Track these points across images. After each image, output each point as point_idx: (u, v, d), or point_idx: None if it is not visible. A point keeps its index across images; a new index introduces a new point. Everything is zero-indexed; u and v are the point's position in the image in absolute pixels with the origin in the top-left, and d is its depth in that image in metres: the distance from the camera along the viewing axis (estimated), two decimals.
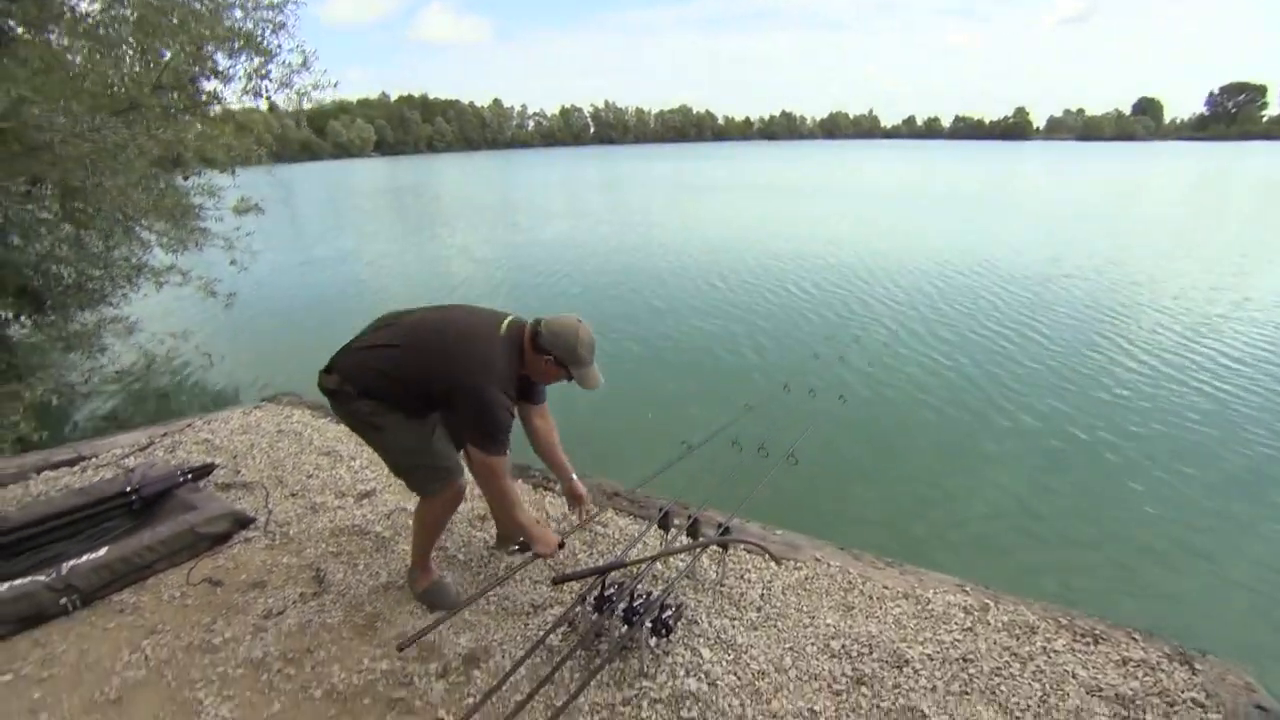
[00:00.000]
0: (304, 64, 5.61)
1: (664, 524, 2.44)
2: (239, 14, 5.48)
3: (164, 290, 5.90)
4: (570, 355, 2.06)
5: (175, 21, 5.35)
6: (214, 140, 6.12)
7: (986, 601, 2.31)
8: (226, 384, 6.05)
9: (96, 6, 5.13)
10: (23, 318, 5.04)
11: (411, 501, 3.03)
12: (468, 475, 2.25)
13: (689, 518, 2.43)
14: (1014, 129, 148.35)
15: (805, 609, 2.28)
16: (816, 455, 4.42)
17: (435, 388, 2.02)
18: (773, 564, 2.48)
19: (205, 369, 6.41)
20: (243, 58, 5.96)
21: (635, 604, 2.06)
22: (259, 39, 6.04)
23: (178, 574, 2.57)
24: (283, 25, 5.59)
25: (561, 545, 2.23)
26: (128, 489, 2.89)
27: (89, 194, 4.50)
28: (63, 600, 2.31)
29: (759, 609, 2.28)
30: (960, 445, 5.08)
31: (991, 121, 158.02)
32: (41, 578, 2.31)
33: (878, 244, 13.63)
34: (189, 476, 3.08)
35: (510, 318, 2.14)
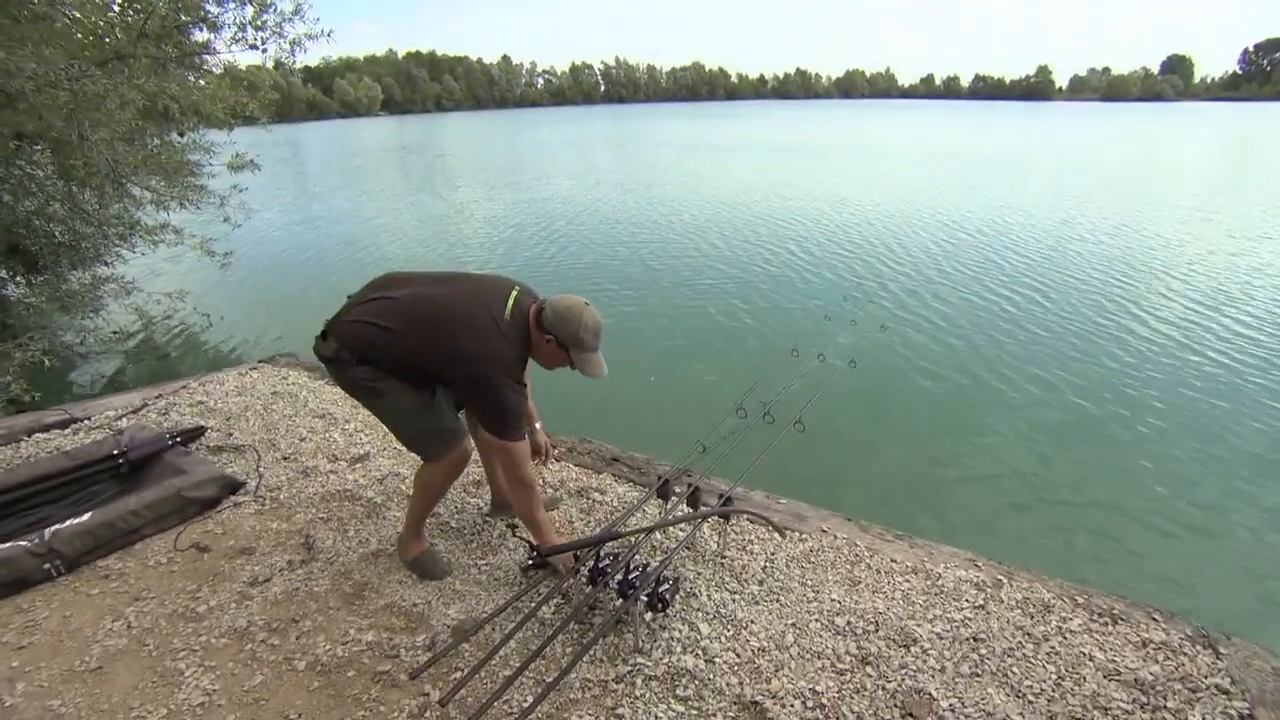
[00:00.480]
0: (295, 11, 5.37)
1: (663, 493, 2.34)
2: None
3: (161, 249, 5.79)
4: (573, 339, 1.96)
5: None
6: (209, 95, 5.93)
7: (999, 577, 2.21)
8: (224, 345, 5.96)
9: None
10: (17, 277, 4.95)
11: (405, 466, 2.97)
12: (470, 443, 2.19)
13: (689, 486, 2.32)
14: (1036, 88, 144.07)
15: (809, 583, 2.19)
16: (824, 422, 4.34)
17: (438, 370, 1.98)
18: (776, 535, 2.39)
19: (203, 329, 6.32)
20: (231, 4, 5.74)
21: (631, 576, 1.97)
22: None
23: (165, 539, 2.52)
24: None
25: (576, 567, 2.10)
26: (115, 452, 2.82)
27: (74, 148, 4.35)
28: (46, 565, 2.25)
29: (761, 582, 2.19)
30: (972, 415, 4.93)
31: (1012, 81, 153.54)
32: (24, 543, 2.25)
33: (891, 205, 13.27)
34: (178, 440, 3.00)
35: (516, 292, 2.02)
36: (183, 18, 5.49)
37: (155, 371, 5.47)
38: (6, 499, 2.56)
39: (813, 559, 2.32)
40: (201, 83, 6.08)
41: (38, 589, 2.23)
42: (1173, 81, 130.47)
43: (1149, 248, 9.77)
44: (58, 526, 2.33)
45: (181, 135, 6.53)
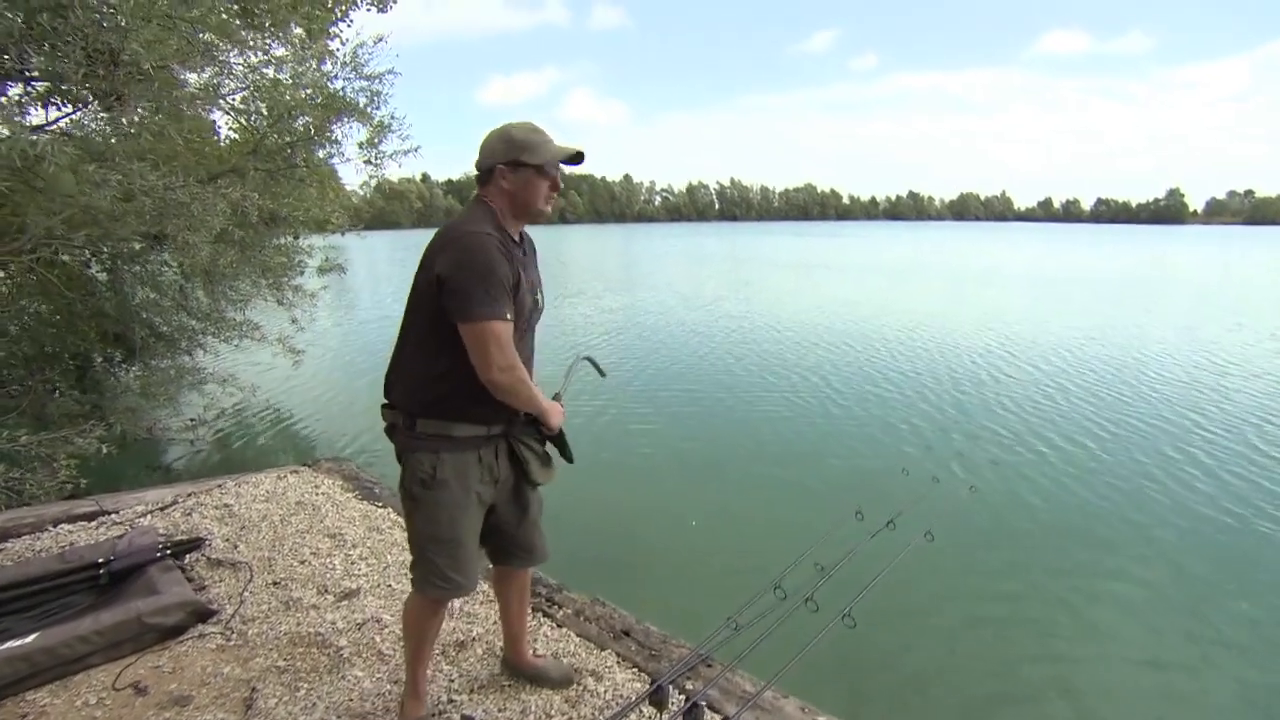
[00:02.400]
0: (389, 128, 5.81)
1: (657, 702, 1.82)
2: (339, 84, 5.74)
3: (244, 345, 6.09)
4: (515, 148, 1.69)
5: (305, 95, 5.81)
6: (316, 203, 6.41)
7: None
8: (277, 443, 6.04)
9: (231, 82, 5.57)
10: (116, 364, 5.28)
11: (390, 612, 2.62)
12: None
13: (688, 701, 1.76)
14: (1166, 212, 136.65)
15: None
16: (891, 610, 3.44)
17: (433, 295, 1.62)
18: None
19: (266, 425, 6.45)
20: (349, 126, 6.29)
21: None
22: (369, 111, 6.40)
23: (108, 672, 2.24)
24: (378, 94, 5.81)
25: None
26: (100, 560, 2.65)
27: (180, 248, 4.67)
28: None
29: None
30: (1094, 617, 3.77)
31: (1139, 204, 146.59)
32: None
33: (1002, 335, 12.21)
34: (169, 552, 2.81)
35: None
36: (314, 136, 6.14)
37: (205, 464, 5.56)
38: None
39: None
40: (312, 192, 6.61)
41: None
42: None
43: None
44: None
45: (296, 238, 7.09)
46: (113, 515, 3.51)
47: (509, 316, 1.58)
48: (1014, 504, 5.12)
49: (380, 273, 28.79)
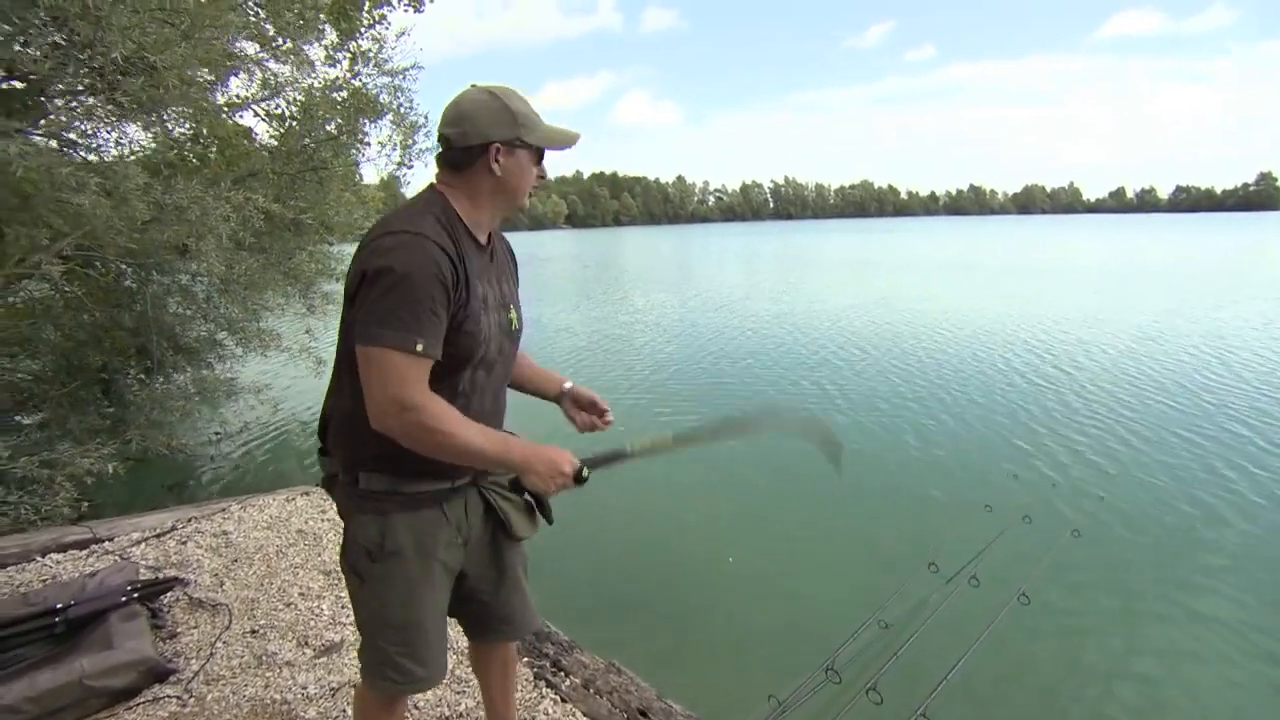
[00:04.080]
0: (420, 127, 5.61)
1: None
2: (359, 81, 5.54)
3: (272, 356, 5.91)
4: (518, 123, 1.28)
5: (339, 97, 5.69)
6: (348, 206, 6.25)
7: None
8: (296, 460, 5.81)
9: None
10: (133, 376, 5.15)
11: None
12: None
13: None
14: (1256, 198, 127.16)
15: None
16: (965, 710, 2.51)
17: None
18: None
19: (287, 440, 6.21)
20: (378, 126, 6.13)
21: None
22: (401, 110, 6.24)
23: None
24: (401, 89, 5.66)
25: (582, 477, 1.29)
26: (59, 606, 2.36)
27: (194, 256, 4.49)
28: None
29: None
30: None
31: (1225, 190, 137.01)
32: None
33: (1100, 348, 11.14)
34: (136, 595, 2.51)
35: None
36: (344, 139, 6.01)
37: (221, 482, 5.32)
38: None
39: None
40: (349, 197, 6.44)
41: None
42: None
43: None
44: None
45: (330, 245, 6.95)
46: (105, 544, 3.27)
47: (420, 348, 1.14)
48: (1138, 555, 4.00)
49: None
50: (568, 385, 1.58)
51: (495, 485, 1.42)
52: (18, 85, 3.09)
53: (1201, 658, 3.14)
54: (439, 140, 1.31)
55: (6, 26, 2.74)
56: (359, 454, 1.29)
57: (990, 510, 4.01)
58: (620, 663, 2.49)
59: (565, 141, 1.38)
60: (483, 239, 1.34)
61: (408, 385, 1.13)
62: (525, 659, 2.44)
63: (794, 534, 4.43)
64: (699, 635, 3.40)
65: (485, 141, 1.26)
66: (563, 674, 2.32)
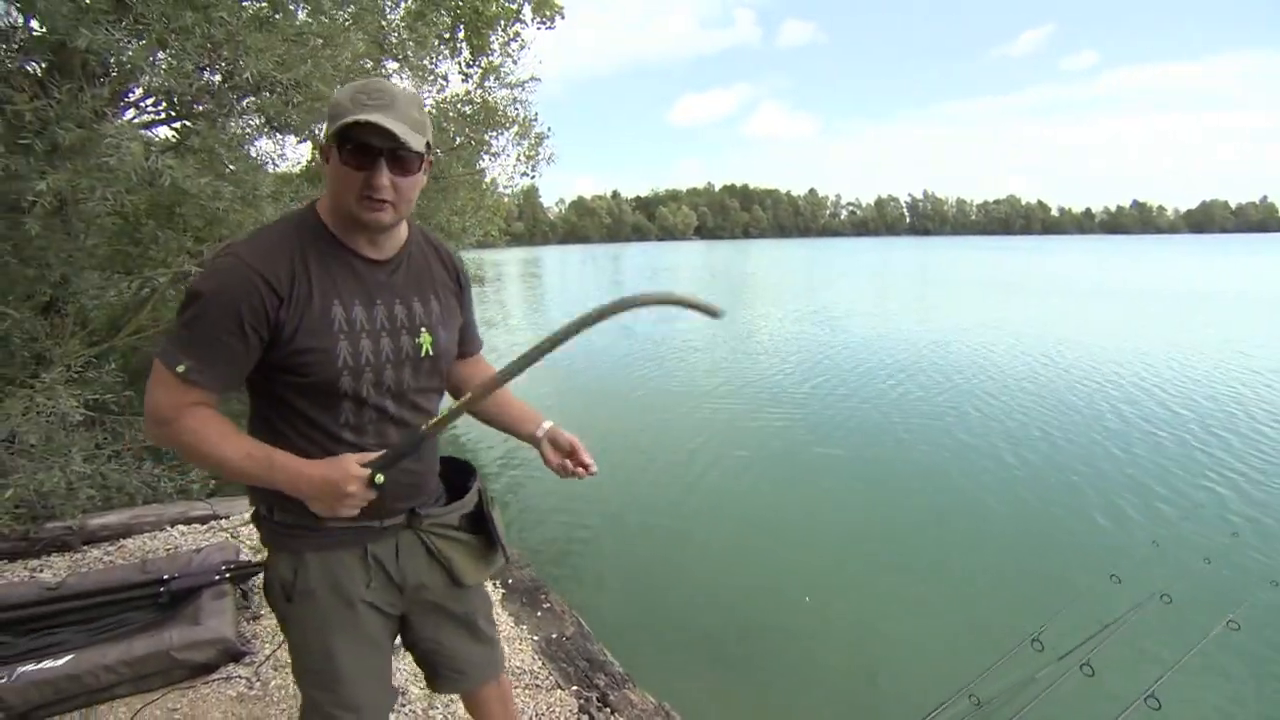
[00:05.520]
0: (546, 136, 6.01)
1: None
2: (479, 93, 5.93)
3: None
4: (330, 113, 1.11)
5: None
6: (475, 215, 6.70)
7: None
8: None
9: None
10: None
11: (418, 684, 2.30)
12: None
13: None
14: None
15: None
16: None
17: None
18: None
19: None
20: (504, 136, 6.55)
21: None
22: (528, 121, 6.62)
23: (129, 706, 2.16)
24: (519, 100, 6.03)
25: (375, 482, 1.12)
26: (165, 577, 2.64)
27: None
28: None
29: None
30: None
31: None
32: None
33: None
34: (228, 575, 2.75)
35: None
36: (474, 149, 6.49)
37: None
38: (44, 611, 2.46)
39: None
40: (479, 204, 6.93)
41: None
42: None
43: None
44: (27, 668, 2.10)
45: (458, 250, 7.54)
46: (221, 521, 3.63)
47: (180, 370, 1.09)
48: None
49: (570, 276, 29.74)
50: (547, 425, 1.43)
51: (439, 527, 1.35)
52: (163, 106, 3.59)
53: None
54: None
55: (169, 57, 3.14)
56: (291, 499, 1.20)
57: (1118, 582, 3.46)
58: (671, 706, 2.40)
59: (342, 119, 1.06)
60: (373, 254, 1.21)
61: (163, 403, 1.11)
62: (574, 687, 2.41)
63: (879, 581, 4.11)
64: (761, 682, 3.22)
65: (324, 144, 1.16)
66: (608, 710, 2.26)
